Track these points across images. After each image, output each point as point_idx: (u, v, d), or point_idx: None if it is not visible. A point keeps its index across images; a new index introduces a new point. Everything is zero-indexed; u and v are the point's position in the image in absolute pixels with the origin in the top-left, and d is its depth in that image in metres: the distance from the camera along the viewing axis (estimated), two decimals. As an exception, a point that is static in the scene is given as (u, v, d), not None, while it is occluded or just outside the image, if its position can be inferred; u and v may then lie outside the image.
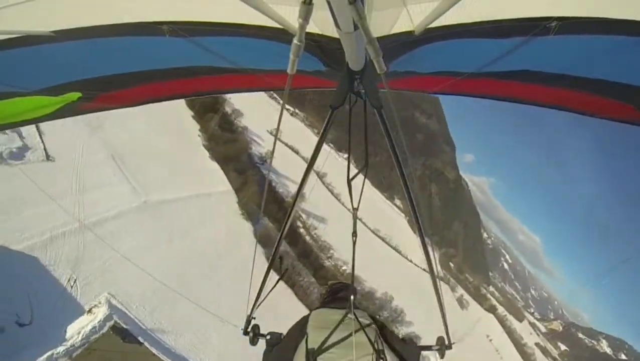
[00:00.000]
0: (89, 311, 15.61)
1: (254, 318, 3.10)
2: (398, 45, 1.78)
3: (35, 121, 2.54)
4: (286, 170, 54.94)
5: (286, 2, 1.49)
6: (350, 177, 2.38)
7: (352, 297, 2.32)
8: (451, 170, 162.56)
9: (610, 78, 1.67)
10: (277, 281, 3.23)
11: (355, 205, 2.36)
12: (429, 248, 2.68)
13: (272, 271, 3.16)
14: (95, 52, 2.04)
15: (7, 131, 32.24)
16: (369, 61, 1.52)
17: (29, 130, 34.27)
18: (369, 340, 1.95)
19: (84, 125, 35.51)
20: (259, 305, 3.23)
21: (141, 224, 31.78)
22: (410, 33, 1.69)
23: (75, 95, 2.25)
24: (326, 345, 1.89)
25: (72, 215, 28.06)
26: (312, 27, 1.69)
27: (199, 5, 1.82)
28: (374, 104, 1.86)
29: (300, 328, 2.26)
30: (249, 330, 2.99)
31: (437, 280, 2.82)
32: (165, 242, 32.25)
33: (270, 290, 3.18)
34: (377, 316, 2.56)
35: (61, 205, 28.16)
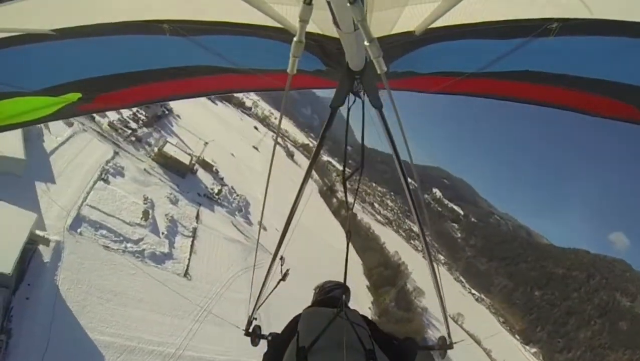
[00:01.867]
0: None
1: (255, 319, 3.10)
2: (398, 45, 1.79)
3: (36, 122, 2.54)
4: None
5: (286, 1, 1.49)
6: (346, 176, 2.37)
7: (343, 296, 2.32)
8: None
9: (610, 78, 1.67)
10: (278, 283, 3.23)
11: (350, 204, 2.36)
12: (430, 251, 2.68)
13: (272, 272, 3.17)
14: (96, 51, 2.04)
15: (160, 235, 35.46)
16: (369, 61, 1.52)
17: (181, 243, 36.82)
18: (360, 339, 1.95)
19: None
20: (259, 306, 3.23)
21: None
22: (410, 33, 1.69)
23: (75, 96, 2.25)
24: (317, 344, 1.89)
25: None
26: (312, 27, 1.69)
27: (200, 4, 1.82)
28: (374, 104, 1.86)
29: (291, 327, 2.26)
30: (250, 330, 2.99)
31: (438, 280, 2.81)
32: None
33: (271, 291, 3.18)
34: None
35: (177, 324, 28.71)
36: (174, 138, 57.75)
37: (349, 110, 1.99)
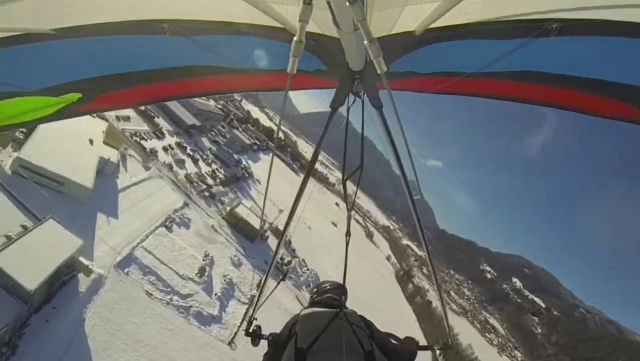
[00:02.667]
0: None
1: (256, 319, 3.09)
2: (398, 45, 1.79)
3: (36, 122, 2.54)
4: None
5: (287, 1, 1.49)
6: (346, 177, 2.38)
7: (342, 297, 2.31)
8: None
9: (610, 78, 1.67)
10: (278, 283, 3.23)
11: (349, 205, 2.36)
12: (431, 255, 2.68)
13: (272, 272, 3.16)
14: (96, 51, 2.04)
15: (213, 295, 33.07)
16: (369, 61, 1.52)
17: (234, 309, 34.31)
18: (358, 340, 1.95)
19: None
20: (260, 306, 3.23)
21: None
22: (410, 33, 1.69)
23: (75, 96, 2.25)
24: (316, 345, 1.88)
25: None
26: (312, 27, 1.69)
27: (200, 4, 1.82)
28: (374, 104, 1.86)
29: (290, 328, 2.26)
30: (250, 331, 2.99)
31: (439, 281, 2.81)
32: None
33: (271, 292, 3.18)
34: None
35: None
36: (249, 201, 55.72)
37: (348, 110, 1.99)
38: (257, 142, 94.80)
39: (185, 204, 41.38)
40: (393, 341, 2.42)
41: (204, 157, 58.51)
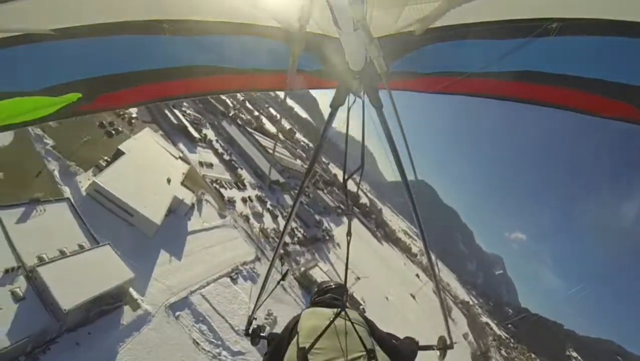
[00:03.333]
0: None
1: (255, 319, 3.10)
2: (398, 45, 1.79)
3: (36, 122, 2.54)
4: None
5: (286, 1, 1.49)
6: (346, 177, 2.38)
7: (344, 296, 2.31)
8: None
9: (610, 78, 1.67)
10: (278, 283, 3.23)
11: (350, 207, 2.36)
12: (432, 255, 2.67)
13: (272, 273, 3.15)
14: (96, 51, 2.04)
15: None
16: (369, 61, 1.52)
17: None
18: (360, 339, 1.95)
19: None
20: (259, 306, 3.23)
21: None
22: (410, 33, 1.69)
23: (75, 96, 2.25)
24: (317, 344, 1.88)
25: None
26: (312, 27, 1.69)
27: (200, 4, 1.82)
28: (374, 104, 1.86)
29: (292, 328, 2.26)
30: (250, 331, 2.99)
31: (438, 280, 2.81)
32: None
33: (271, 292, 3.18)
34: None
35: None
36: (325, 264, 53.42)
37: (349, 110, 1.99)
38: (341, 206, 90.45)
39: (257, 258, 39.88)
40: (394, 341, 2.42)
41: (284, 213, 56.75)
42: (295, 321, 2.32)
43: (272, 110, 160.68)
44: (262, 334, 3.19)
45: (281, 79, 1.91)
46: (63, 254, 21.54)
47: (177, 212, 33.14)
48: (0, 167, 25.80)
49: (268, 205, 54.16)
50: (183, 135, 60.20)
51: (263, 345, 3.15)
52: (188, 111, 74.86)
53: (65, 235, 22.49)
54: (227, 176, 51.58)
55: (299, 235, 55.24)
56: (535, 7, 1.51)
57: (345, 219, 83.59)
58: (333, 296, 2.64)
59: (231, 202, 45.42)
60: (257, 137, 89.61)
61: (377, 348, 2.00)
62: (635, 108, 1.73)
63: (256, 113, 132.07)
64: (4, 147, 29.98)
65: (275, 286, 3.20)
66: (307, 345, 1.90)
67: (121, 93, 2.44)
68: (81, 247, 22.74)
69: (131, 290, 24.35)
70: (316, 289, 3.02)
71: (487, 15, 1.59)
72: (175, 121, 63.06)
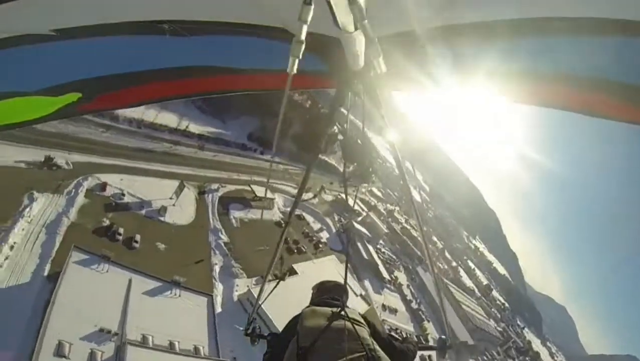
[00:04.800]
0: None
1: (255, 319, 3.10)
2: (399, 45, 1.78)
3: (35, 122, 2.54)
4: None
5: (287, 1, 1.49)
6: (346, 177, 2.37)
7: (343, 296, 2.31)
8: None
9: (610, 78, 1.67)
10: (277, 283, 3.24)
11: (350, 206, 2.36)
12: (431, 255, 2.67)
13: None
14: (96, 51, 2.04)
15: None
16: (370, 61, 1.52)
17: None
18: (360, 339, 1.94)
19: None
20: (259, 306, 3.23)
21: None
22: (411, 33, 1.69)
23: (75, 96, 2.25)
24: (317, 343, 1.88)
25: None
26: (312, 27, 1.69)
27: (200, 4, 1.82)
28: (374, 104, 1.86)
29: (291, 327, 2.26)
30: (249, 330, 2.99)
31: (437, 280, 2.81)
32: None
33: (271, 292, 3.18)
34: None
35: None
36: None
37: (349, 110, 1.99)
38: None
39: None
40: (394, 341, 2.42)
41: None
42: (295, 320, 2.31)
43: (470, 263, 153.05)
44: (261, 334, 3.19)
45: (281, 79, 1.91)
46: (171, 347, 18.72)
47: (225, 280, 29.82)
48: (169, 241, 26.38)
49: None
50: (372, 272, 58.12)
51: (263, 345, 3.15)
52: (383, 249, 72.64)
53: (186, 328, 20.23)
54: (410, 327, 48.14)
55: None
56: (534, 7, 1.51)
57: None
58: (333, 296, 2.64)
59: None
60: (452, 289, 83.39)
61: (377, 348, 2.00)
62: (636, 109, 1.72)
63: (454, 264, 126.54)
64: (180, 225, 31.35)
65: (275, 287, 3.20)
66: (307, 344, 1.89)
67: (121, 93, 2.44)
68: (196, 350, 19.61)
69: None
70: (316, 289, 3.01)
71: (486, 15, 1.58)
72: (366, 256, 60.96)
